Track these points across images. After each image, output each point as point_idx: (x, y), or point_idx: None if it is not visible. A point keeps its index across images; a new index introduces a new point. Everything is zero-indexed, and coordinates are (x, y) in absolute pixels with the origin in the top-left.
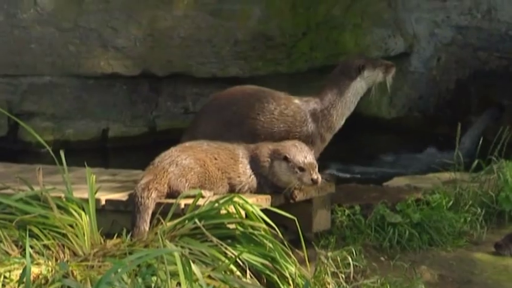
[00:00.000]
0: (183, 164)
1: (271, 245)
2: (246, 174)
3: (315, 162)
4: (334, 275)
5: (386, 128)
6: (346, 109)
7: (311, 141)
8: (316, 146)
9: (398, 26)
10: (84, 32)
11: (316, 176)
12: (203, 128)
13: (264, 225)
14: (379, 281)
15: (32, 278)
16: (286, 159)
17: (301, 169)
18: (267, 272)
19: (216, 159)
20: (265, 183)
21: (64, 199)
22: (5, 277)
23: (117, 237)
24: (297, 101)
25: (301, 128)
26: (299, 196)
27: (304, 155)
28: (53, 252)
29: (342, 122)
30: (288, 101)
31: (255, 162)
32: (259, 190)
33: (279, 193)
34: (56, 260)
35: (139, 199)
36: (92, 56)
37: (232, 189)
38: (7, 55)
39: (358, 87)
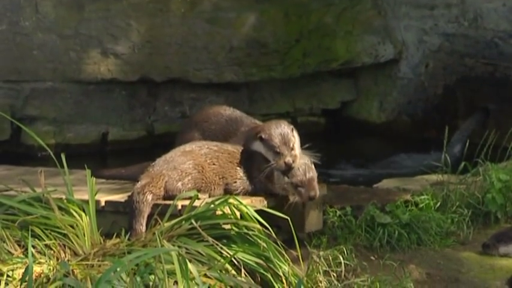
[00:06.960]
0: (181, 168)
1: (265, 245)
2: (242, 179)
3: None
4: (326, 273)
5: (376, 132)
6: None
7: None
8: None
9: (388, 33)
10: (85, 39)
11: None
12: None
13: (258, 226)
14: (369, 279)
15: (34, 277)
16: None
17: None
18: (261, 270)
19: (214, 164)
20: (261, 189)
21: (65, 200)
22: (8, 276)
23: (116, 237)
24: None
25: None
26: (292, 198)
27: (303, 170)
28: (54, 251)
29: None
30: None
31: (254, 168)
32: (253, 193)
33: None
34: (57, 259)
35: (135, 203)
36: (92, 62)
37: (228, 193)
38: (10, 61)
39: None
